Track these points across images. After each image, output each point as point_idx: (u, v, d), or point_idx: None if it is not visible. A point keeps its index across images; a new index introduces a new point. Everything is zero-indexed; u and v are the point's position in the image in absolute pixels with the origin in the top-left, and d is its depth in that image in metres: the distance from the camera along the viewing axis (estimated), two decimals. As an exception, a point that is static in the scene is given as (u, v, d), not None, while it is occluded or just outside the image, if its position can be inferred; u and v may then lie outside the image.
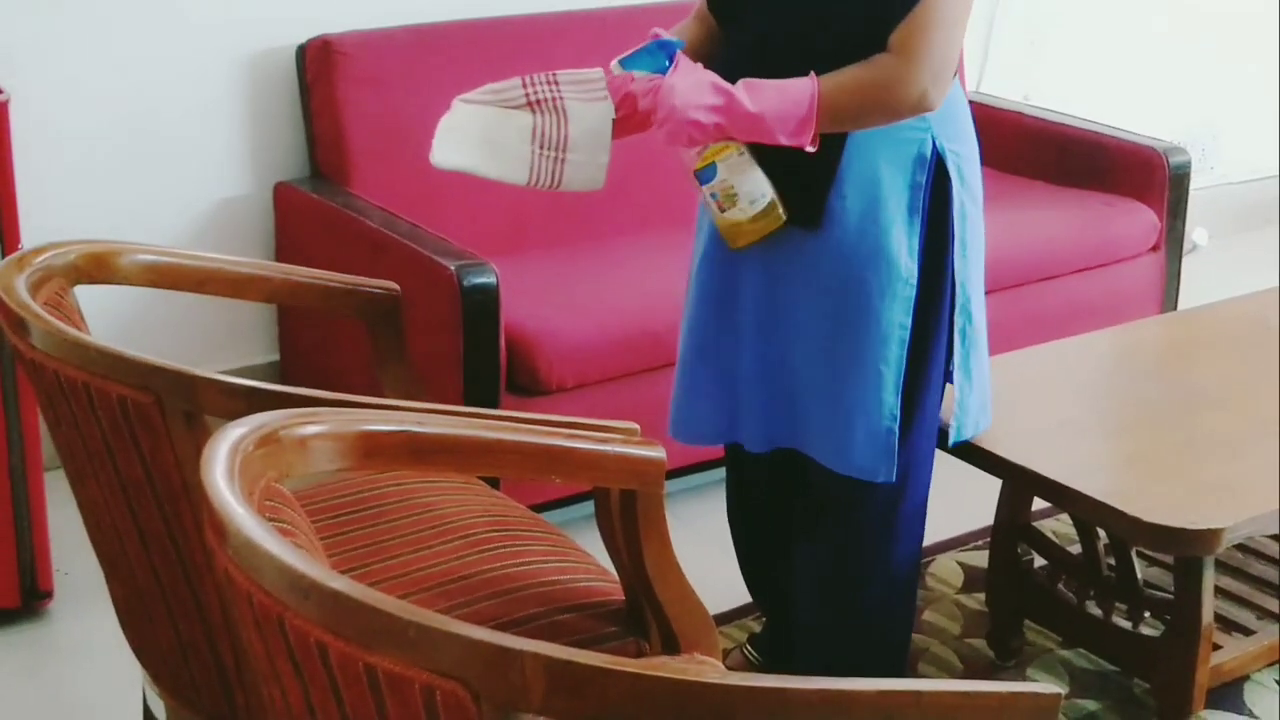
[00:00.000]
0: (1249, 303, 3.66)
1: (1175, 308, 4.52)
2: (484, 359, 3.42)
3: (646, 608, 2.17)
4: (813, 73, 2.42)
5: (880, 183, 2.54)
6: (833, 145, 2.49)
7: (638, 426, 2.12)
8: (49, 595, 3.30)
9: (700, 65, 2.49)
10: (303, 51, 3.94)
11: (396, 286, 2.66)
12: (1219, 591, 3.11)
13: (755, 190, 2.51)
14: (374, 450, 1.85)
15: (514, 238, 3.98)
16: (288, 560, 1.42)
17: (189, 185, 3.97)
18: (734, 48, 2.60)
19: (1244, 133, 5.90)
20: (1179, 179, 4.46)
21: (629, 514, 2.09)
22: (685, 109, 2.42)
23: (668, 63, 2.47)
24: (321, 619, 1.39)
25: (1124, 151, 4.55)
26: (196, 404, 1.97)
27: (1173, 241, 4.51)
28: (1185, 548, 2.72)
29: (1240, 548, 3.37)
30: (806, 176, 2.51)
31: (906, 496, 2.71)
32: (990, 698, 1.49)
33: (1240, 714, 3.03)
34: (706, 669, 2.07)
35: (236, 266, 2.59)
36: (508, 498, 2.54)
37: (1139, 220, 4.44)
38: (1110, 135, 4.62)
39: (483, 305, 3.38)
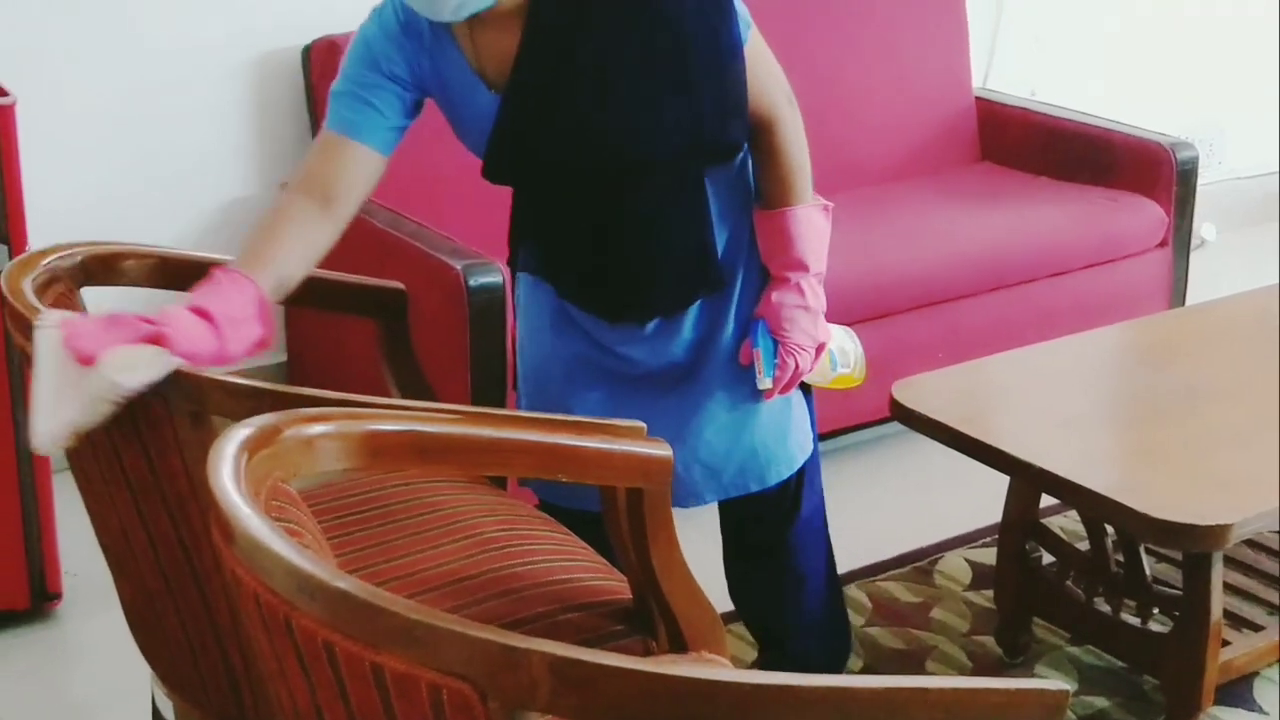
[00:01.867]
0: (1257, 297, 3.66)
1: (1183, 303, 4.52)
2: (490, 358, 3.42)
3: (654, 606, 2.17)
4: (792, 210, 2.52)
5: (738, 208, 2.57)
6: (701, 216, 2.51)
7: (644, 425, 2.12)
8: (58, 597, 3.31)
9: (792, 307, 2.54)
10: (308, 52, 3.94)
11: (403, 286, 2.67)
12: (1227, 587, 3.10)
13: (851, 345, 2.71)
14: (380, 450, 1.85)
15: (520, 237, 3.97)
16: (294, 560, 1.42)
17: (195, 185, 3.97)
18: (572, 206, 2.51)
19: (1251, 128, 5.90)
20: (1186, 174, 4.46)
21: (636, 512, 2.09)
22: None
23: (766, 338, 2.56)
24: (328, 619, 1.39)
25: (1131, 147, 4.54)
26: (203, 405, 1.97)
27: (1180, 237, 4.50)
28: (1193, 543, 2.72)
29: (1249, 543, 3.37)
30: (697, 256, 2.53)
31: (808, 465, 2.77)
32: (998, 694, 1.49)
33: (1249, 710, 3.03)
34: (714, 667, 2.07)
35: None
36: (514, 497, 2.54)
37: (1146, 216, 4.44)
38: (1117, 131, 4.61)
39: (489, 304, 3.38)
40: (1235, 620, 3.10)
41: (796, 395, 2.67)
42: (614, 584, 2.26)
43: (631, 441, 2.05)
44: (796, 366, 2.55)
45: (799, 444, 2.69)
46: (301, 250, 2.33)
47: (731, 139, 2.45)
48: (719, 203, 2.53)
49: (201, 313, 2.08)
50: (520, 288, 2.69)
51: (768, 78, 2.46)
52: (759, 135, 2.49)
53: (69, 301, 2.26)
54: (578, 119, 2.37)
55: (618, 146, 2.38)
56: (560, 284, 2.59)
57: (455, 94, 2.41)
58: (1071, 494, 2.81)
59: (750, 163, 2.56)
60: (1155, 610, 2.98)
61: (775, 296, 2.54)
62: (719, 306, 2.58)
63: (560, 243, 2.58)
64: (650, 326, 2.56)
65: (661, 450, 2.05)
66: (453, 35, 2.37)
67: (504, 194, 4.15)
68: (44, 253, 2.30)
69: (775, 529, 2.79)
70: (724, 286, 2.56)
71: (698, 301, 2.56)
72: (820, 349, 2.59)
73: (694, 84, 2.36)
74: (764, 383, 2.55)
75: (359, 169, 2.38)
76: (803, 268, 2.53)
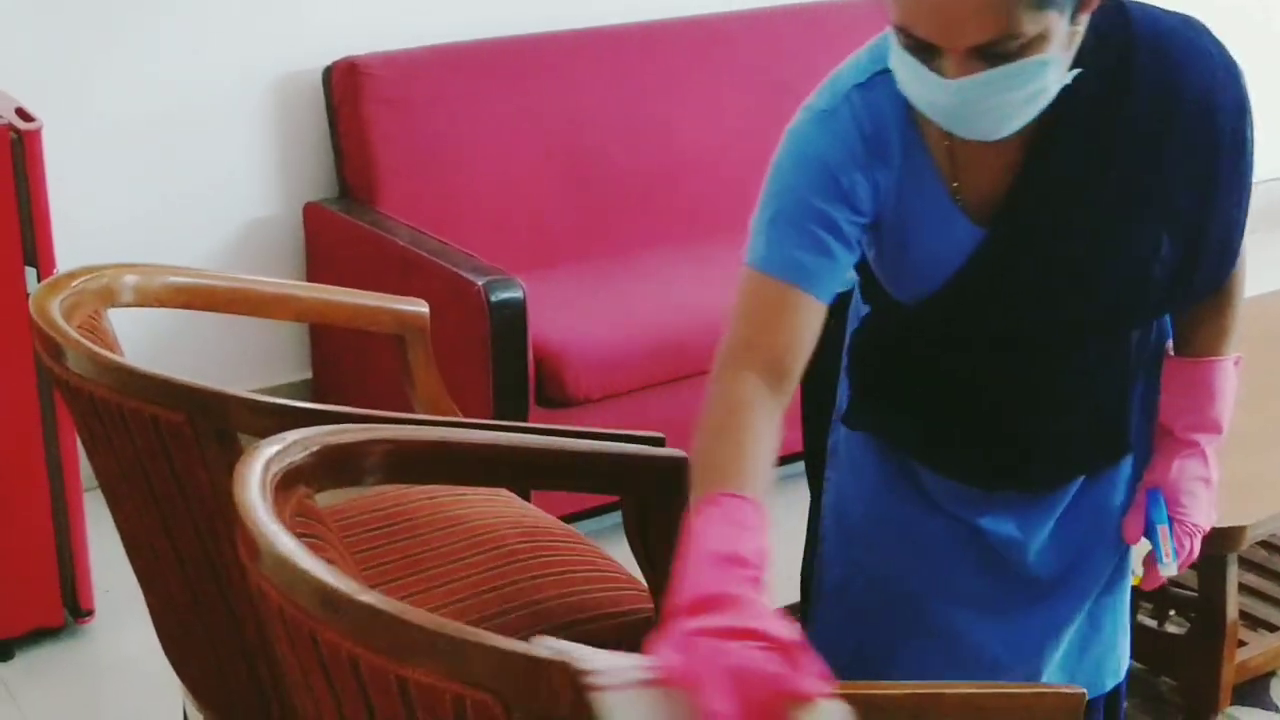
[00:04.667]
0: (1265, 303, 3.67)
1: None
2: (512, 373, 3.45)
3: (675, 615, 2.19)
4: (1221, 362, 2.09)
5: (1146, 364, 2.14)
6: (1125, 375, 2.09)
7: (664, 436, 2.15)
8: (90, 613, 3.34)
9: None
10: (329, 73, 3.97)
11: (425, 303, 2.69)
12: (1243, 588, 3.12)
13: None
14: (404, 464, 1.87)
15: (540, 253, 4.00)
16: (319, 575, 1.43)
17: (219, 207, 4.01)
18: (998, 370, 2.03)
19: (1256, 135, 5.88)
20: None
21: (656, 523, 2.11)
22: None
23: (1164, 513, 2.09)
24: (353, 633, 1.41)
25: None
26: (229, 423, 2.00)
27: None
28: (1208, 546, 2.73)
29: (1264, 544, 3.38)
30: (1113, 421, 2.10)
31: None
32: (1017, 697, 1.51)
33: (1267, 710, 3.05)
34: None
35: (267, 286, 2.62)
36: (538, 509, 2.56)
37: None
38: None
39: (510, 320, 3.41)
40: (1251, 621, 3.11)
41: None
42: (636, 594, 2.29)
43: (651, 452, 2.08)
44: (1191, 550, 2.09)
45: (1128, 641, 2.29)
46: (770, 448, 1.74)
47: (1220, 284, 2.04)
48: (1134, 358, 2.10)
49: (736, 560, 1.52)
50: (844, 443, 2.18)
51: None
52: None
53: (96, 324, 2.29)
54: (1082, 261, 1.92)
55: (1114, 294, 1.94)
56: (920, 447, 2.11)
57: (921, 223, 1.91)
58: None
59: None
60: (1172, 612, 3.00)
61: (1178, 464, 2.07)
62: (1108, 475, 2.14)
63: (957, 403, 2.07)
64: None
65: (678, 455, 2.07)
66: (928, 149, 1.89)
67: (524, 209, 4.18)
68: (72, 275, 2.31)
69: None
70: (1127, 454, 2.14)
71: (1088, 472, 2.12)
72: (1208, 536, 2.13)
73: (1206, 224, 1.99)
74: (1169, 568, 2.07)
75: (809, 329, 1.83)
76: (1216, 430, 2.09)
